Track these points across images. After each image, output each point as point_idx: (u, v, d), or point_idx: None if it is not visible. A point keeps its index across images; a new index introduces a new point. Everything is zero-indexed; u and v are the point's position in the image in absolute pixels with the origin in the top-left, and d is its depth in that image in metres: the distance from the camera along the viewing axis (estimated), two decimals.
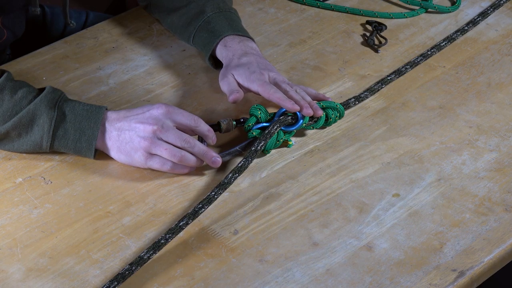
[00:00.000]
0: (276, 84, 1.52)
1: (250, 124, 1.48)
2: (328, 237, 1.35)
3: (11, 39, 1.65)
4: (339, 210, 1.39)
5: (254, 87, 1.50)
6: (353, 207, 1.40)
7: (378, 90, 1.61)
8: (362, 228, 1.36)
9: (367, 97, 1.60)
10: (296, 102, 1.48)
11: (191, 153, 1.41)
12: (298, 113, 1.49)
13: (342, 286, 1.28)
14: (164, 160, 1.40)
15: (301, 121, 1.49)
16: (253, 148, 1.44)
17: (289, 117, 1.49)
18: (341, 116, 1.53)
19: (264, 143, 1.45)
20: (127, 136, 1.40)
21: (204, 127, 1.43)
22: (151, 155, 1.40)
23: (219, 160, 1.42)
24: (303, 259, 1.31)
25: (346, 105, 1.57)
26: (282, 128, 1.48)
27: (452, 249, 1.33)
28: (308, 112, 1.48)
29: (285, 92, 1.50)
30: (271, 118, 1.49)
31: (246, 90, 1.53)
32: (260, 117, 1.48)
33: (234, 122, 1.49)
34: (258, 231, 1.35)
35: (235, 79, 1.52)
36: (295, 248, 1.33)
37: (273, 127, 1.47)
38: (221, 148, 1.48)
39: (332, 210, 1.39)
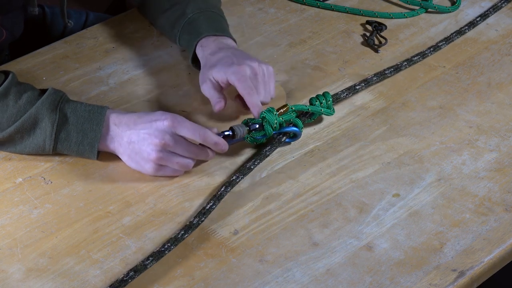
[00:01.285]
0: (254, 79, 1.50)
1: (256, 136, 1.47)
2: (328, 237, 1.35)
3: (10, 39, 1.65)
4: (339, 210, 1.39)
5: (232, 79, 1.48)
6: (353, 207, 1.40)
7: (374, 83, 1.61)
8: (362, 228, 1.36)
9: (362, 89, 1.59)
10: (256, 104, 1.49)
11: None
12: (297, 131, 1.48)
13: (342, 286, 1.28)
14: (176, 170, 1.42)
15: (299, 136, 1.49)
16: (247, 166, 1.43)
17: (288, 138, 1.49)
18: (329, 107, 1.52)
19: (259, 161, 1.44)
20: (137, 147, 1.40)
21: (211, 140, 1.41)
22: (161, 166, 1.40)
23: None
24: (303, 259, 1.31)
25: (337, 97, 1.57)
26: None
27: (452, 249, 1.33)
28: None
29: (256, 87, 1.49)
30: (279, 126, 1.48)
31: (227, 86, 1.51)
32: (268, 132, 1.46)
33: (247, 128, 1.47)
34: (258, 231, 1.35)
35: (215, 81, 1.51)
36: (295, 248, 1.33)
37: (270, 148, 1.46)
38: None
39: (332, 210, 1.39)
